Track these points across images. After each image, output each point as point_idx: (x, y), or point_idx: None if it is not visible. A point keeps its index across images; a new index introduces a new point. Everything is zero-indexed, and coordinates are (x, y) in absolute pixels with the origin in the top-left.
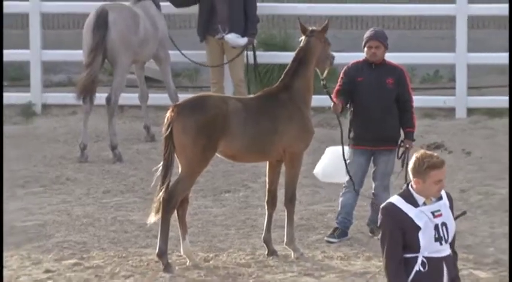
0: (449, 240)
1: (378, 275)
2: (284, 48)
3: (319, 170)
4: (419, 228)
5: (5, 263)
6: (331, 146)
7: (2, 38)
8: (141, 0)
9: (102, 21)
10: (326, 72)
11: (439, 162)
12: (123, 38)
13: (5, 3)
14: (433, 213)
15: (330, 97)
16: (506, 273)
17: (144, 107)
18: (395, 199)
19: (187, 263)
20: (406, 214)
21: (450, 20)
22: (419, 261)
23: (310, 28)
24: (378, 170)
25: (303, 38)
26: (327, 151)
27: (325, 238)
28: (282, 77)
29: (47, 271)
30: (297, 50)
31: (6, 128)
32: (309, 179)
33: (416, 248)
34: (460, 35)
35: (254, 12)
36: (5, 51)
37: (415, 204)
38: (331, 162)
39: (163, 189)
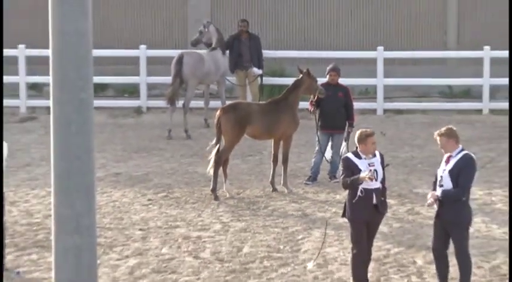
0: (379, 180)
1: (333, 202)
2: (281, 76)
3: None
4: (360, 170)
5: (125, 195)
6: (307, 130)
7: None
8: (212, 51)
9: (179, 61)
10: (316, 96)
11: (371, 132)
12: (191, 72)
13: (124, 51)
14: (369, 164)
15: (311, 108)
16: (406, 201)
17: (205, 108)
18: (349, 154)
19: (227, 195)
20: (354, 162)
21: (373, 60)
22: (359, 189)
23: (304, 70)
24: (334, 144)
25: (300, 75)
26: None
27: (304, 182)
28: (284, 92)
29: (149, 200)
30: (295, 80)
31: (125, 121)
32: (296, 148)
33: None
34: (379, 69)
35: (261, 55)
36: (124, 78)
37: (360, 157)
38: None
39: (215, 154)
